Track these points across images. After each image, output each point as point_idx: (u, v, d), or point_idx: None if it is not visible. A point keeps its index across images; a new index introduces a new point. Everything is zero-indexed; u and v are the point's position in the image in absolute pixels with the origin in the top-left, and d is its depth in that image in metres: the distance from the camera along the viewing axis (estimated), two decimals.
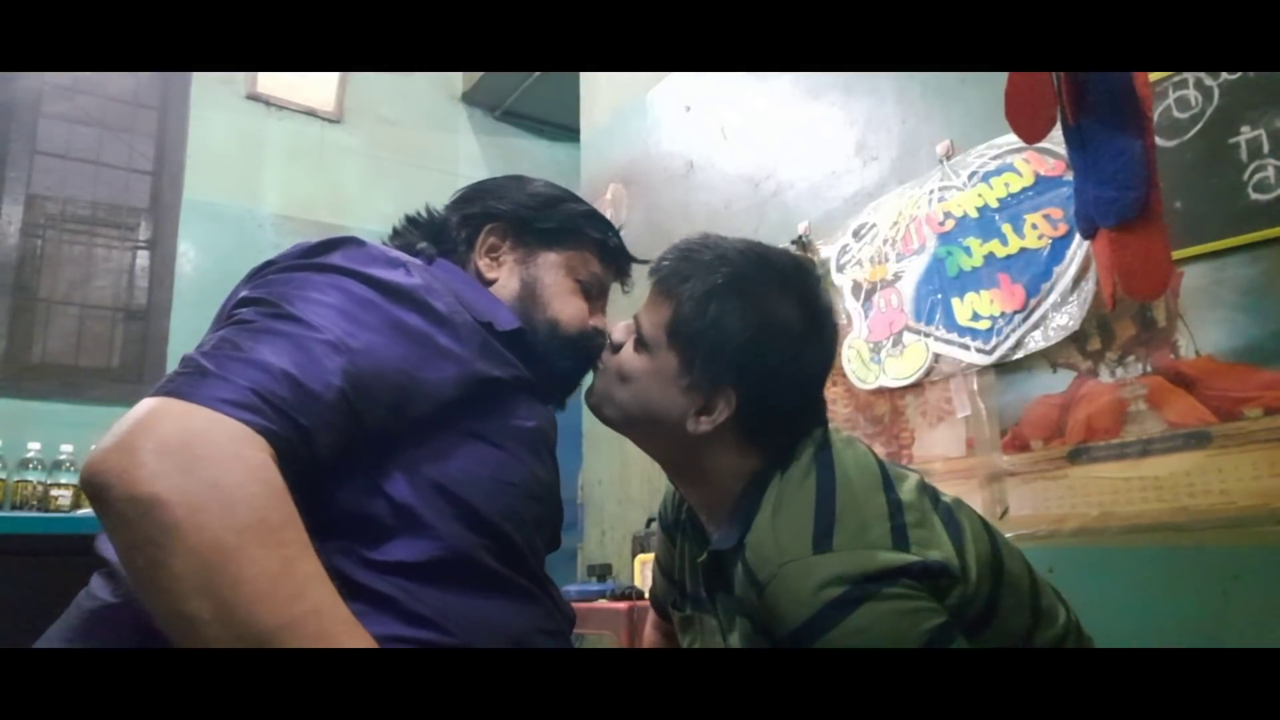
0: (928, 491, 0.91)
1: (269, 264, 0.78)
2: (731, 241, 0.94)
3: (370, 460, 0.72)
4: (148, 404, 0.61)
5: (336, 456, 0.69)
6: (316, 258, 0.77)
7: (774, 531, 0.83)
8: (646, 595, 2.07)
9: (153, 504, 0.56)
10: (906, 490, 0.88)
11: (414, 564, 0.71)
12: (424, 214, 1.02)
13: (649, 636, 1.26)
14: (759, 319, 0.88)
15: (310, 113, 3.59)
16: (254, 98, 3.48)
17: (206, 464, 0.58)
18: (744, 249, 0.93)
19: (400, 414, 0.73)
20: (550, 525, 0.87)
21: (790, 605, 0.78)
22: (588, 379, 1.01)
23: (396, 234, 1.01)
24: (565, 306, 0.96)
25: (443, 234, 0.99)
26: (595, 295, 1.01)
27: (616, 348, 0.96)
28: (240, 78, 3.46)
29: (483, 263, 0.98)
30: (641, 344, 0.92)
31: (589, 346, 0.97)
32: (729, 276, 0.89)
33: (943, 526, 0.86)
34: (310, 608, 0.58)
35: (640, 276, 1.06)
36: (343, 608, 0.60)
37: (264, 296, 0.72)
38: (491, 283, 0.96)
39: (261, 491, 0.59)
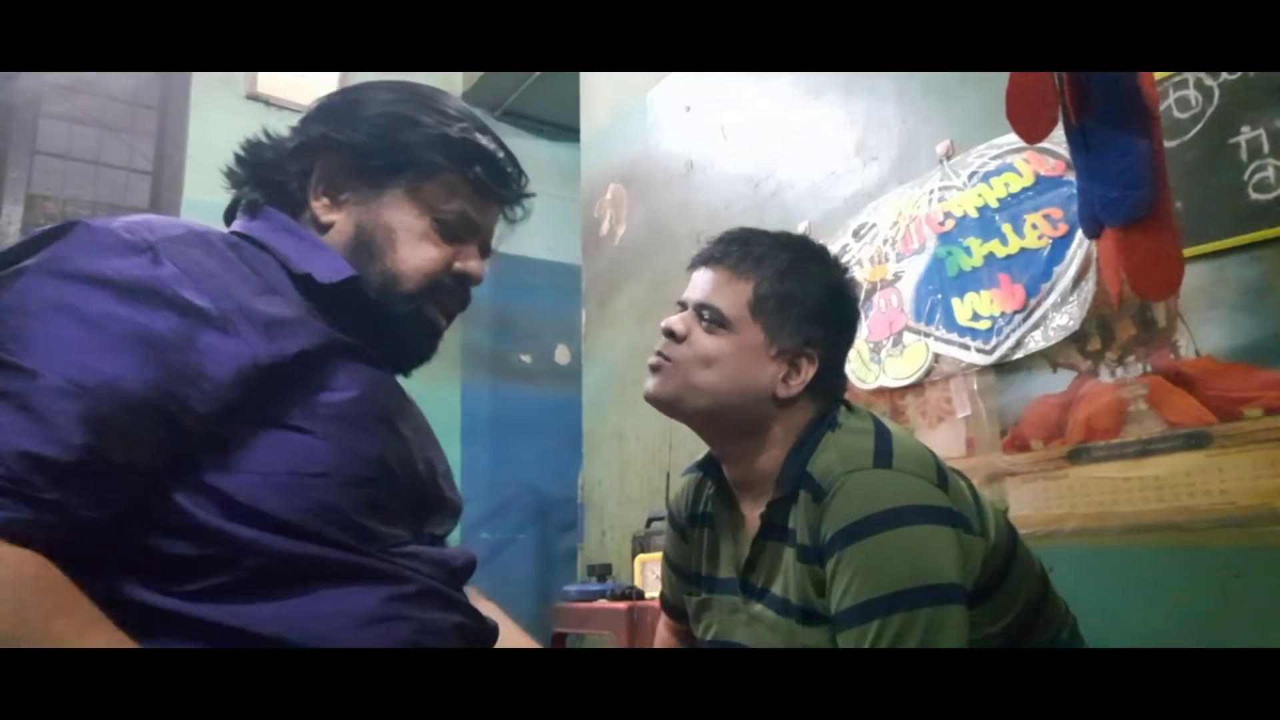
0: (955, 471, 1.00)
1: None
2: (770, 232, 1.05)
3: (155, 482, 0.62)
4: None
5: (117, 500, 0.60)
6: (31, 259, 0.63)
7: (838, 452, 0.92)
8: (647, 595, 2.07)
9: None
10: (940, 461, 0.98)
11: (221, 585, 0.62)
12: (262, 139, 0.85)
13: (662, 638, 1.26)
14: (828, 286, 1.02)
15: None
16: (254, 98, 3.48)
17: None
18: (784, 235, 1.06)
19: (175, 439, 0.62)
20: (395, 502, 0.73)
21: (849, 505, 0.87)
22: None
23: (231, 174, 0.86)
24: (409, 254, 0.80)
25: (275, 169, 0.83)
26: (464, 233, 0.84)
27: (682, 338, 0.99)
28: (240, 78, 3.46)
29: (318, 205, 0.81)
30: (719, 324, 0.98)
31: (439, 298, 0.83)
32: (795, 255, 1.01)
33: (968, 490, 0.96)
34: None
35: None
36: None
37: None
38: (327, 228, 0.81)
39: (10, 595, 0.52)
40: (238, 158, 0.85)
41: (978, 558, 0.89)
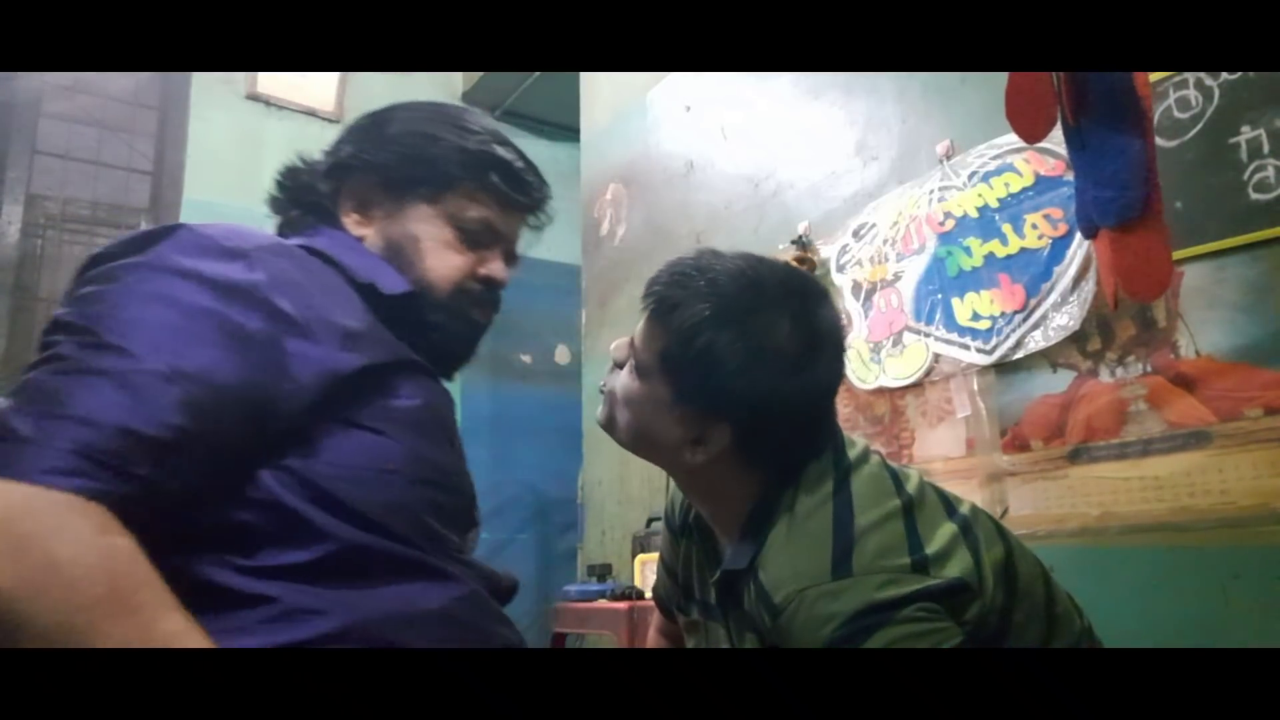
0: (945, 504, 0.90)
1: (92, 262, 0.69)
2: (726, 261, 0.89)
3: (237, 466, 0.66)
4: None
5: (200, 483, 0.63)
6: (137, 256, 0.68)
7: (789, 555, 0.82)
8: (647, 595, 2.07)
9: None
10: (925, 510, 0.86)
11: (292, 566, 0.65)
12: (298, 164, 0.90)
13: (653, 639, 1.25)
14: (749, 349, 0.84)
15: (310, 113, 3.59)
16: (254, 98, 3.48)
17: (37, 543, 0.54)
18: (737, 272, 0.88)
19: (259, 429, 0.65)
20: (451, 508, 0.78)
21: (806, 631, 0.77)
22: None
23: (274, 200, 0.90)
24: (436, 263, 0.84)
25: (309, 190, 0.88)
26: (487, 240, 0.88)
27: (619, 365, 0.94)
28: (240, 78, 3.46)
29: (349, 220, 0.86)
30: (639, 369, 0.90)
31: (470, 303, 0.87)
32: (717, 306, 0.85)
33: (962, 540, 0.85)
34: None
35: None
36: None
37: (77, 322, 0.64)
38: (361, 241, 0.86)
39: (100, 563, 0.55)
40: (278, 184, 0.89)
41: (974, 614, 0.81)
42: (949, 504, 0.90)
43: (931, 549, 0.82)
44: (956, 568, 0.81)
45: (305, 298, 0.71)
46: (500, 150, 0.88)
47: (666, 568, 1.12)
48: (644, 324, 0.91)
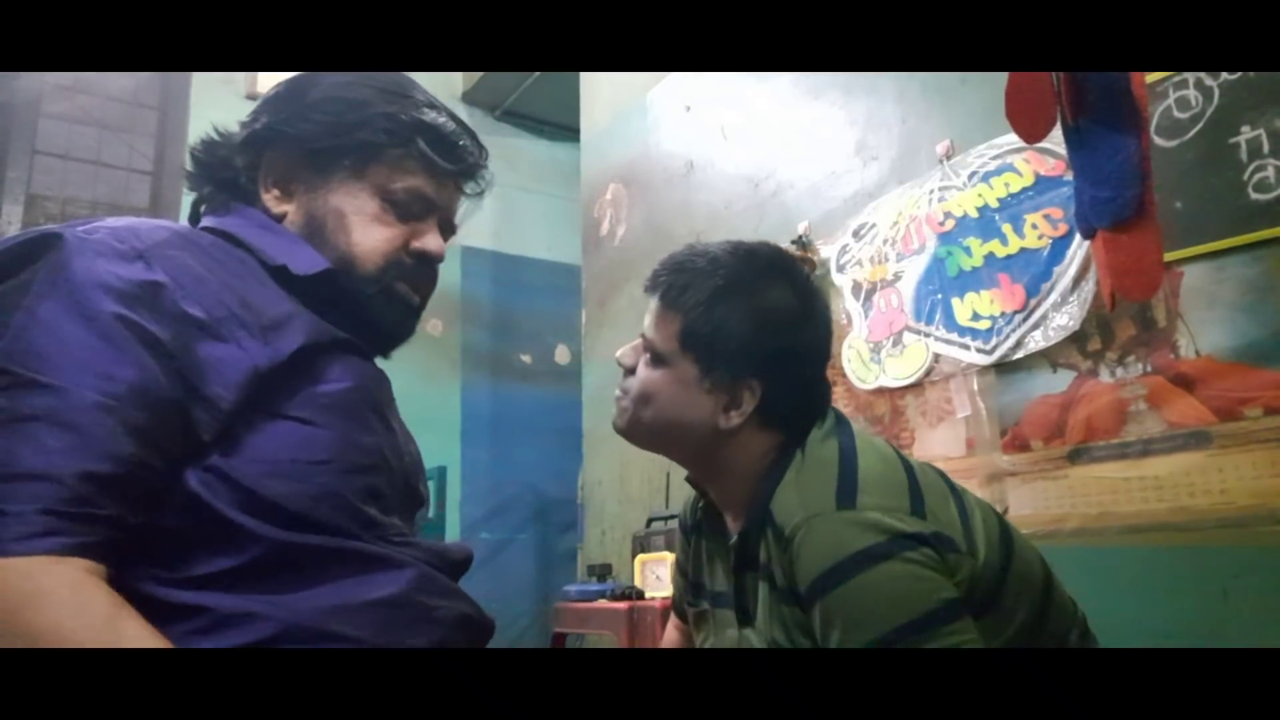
0: (941, 475, 0.96)
1: None
2: (715, 246, 0.98)
3: (173, 476, 0.63)
4: None
5: (154, 502, 0.61)
6: (25, 274, 0.63)
7: (798, 491, 0.88)
8: (647, 595, 2.07)
9: None
10: (925, 473, 0.93)
11: (223, 572, 0.62)
12: (214, 136, 0.83)
13: (670, 638, 1.28)
14: (762, 310, 0.93)
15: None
16: (254, 98, 3.47)
17: (16, 618, 0.53)
18: (730, 249, 0.97)
19: (191, 433, 0.63)
20: (390, 491, 0.73)
21: (814, 555, 0.83)
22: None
23: (189, 176, 0.84)
24: (362, 237, 0.79)
25: (224, 165, 0.81)
26: (420, 212, 0.82)
27: (630, 371, 0.98)
28: (240, 78, 3.46)
29: (269, 197, 0.80)
30: (657, 360, 0.95)
31: (401, 278, 0.81)
32: (725, 277, 0.94)
33: (955, 508, 0.90)
34: None
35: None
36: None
37: None
38: (281, 218, 0.80)
39: (77, 622, 0.54)
40: (193, 158, 0.83)
41: (965, 575, 0.85)
42: (944, 476, 0.97)
43: (929, 501, 0.88)
44: (950, 525, 0.87)
45: (211, 294, 0.67)
46: (428, 114, 0.81)
47: (680, 570, 1.16)
48: (656, 315, 0.96)
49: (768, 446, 0.95)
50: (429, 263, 0.83)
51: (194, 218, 0.84)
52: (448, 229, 0.86)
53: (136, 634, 0.55)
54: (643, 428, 0.97)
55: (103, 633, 0.54)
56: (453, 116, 0.84)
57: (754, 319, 0.93)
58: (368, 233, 0.79)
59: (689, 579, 1.12)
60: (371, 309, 0.79)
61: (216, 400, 0.63)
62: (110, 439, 0.58)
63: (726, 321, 0.92)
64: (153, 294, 0.63)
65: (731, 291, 0.93)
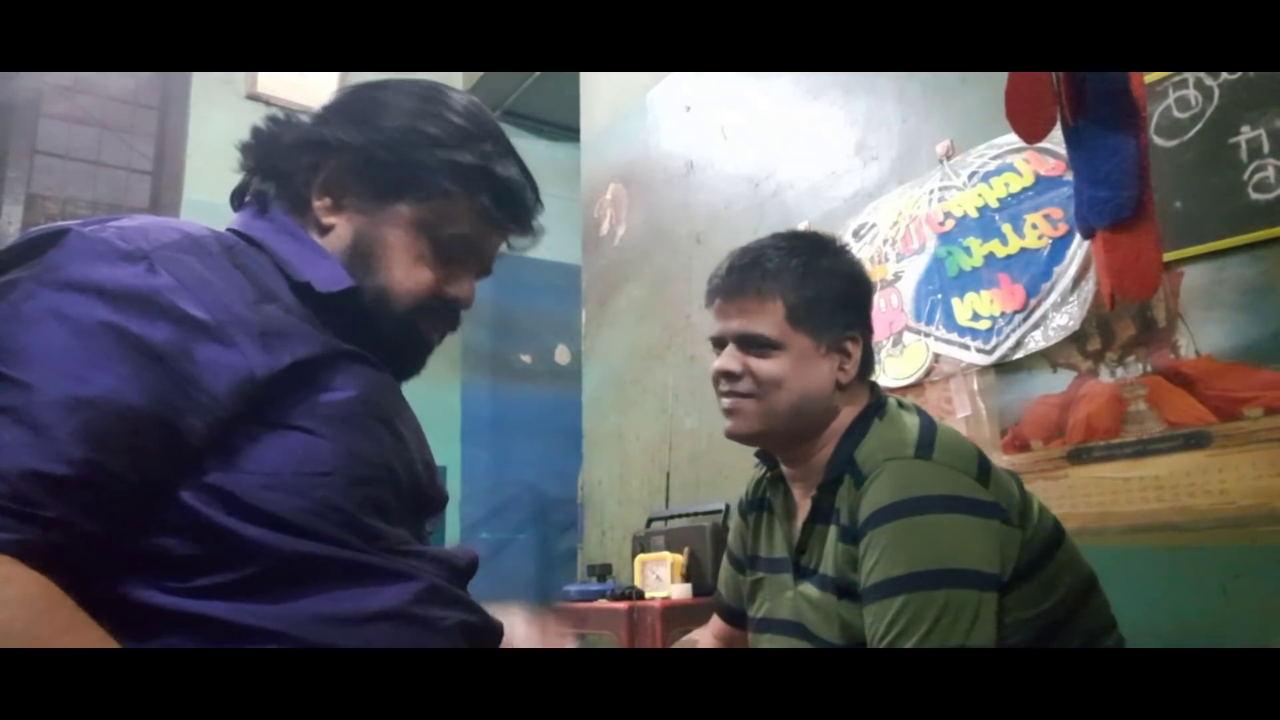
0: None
1: None
2: (766, 240, 1.09)
3: (157, 489, 0.61)
4: None
5: (120, 511, 0.59)
6: (21, 270, 0.62)
7: (880, 438, 0.99)
8: (648, 594, 2.07)
9: None
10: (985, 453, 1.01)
11: (227, 584, 0.61)
12: (271, 126, 0.82)
13: (708, 642, 1.31)
14: (840, 271, 1.07)
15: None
16: (254, 98, 3.48)
17: None
18: (782, 237, 1.10)
19: (175, 447, 0.61)
20: (397, 501, 0.73)
21: (881, 491, 0.92)
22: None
23: (243, 148, 0.84)
24: (403, 276, 0.78)
25: (285, 157, 0.81)
26: (461, 258, 0.82)
27: (741, 375, 1.03)
28: (240, 78, 3.46)
29: (320, 205, 0.79)
30: (769, 348, 1.02)
31: (425, 320, 0.81)
32: (800, 254, 1.05)
33: (1015, 485, 0.99)
34: None
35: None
36: None
37: None
38: (327, 230, 0.79)
39: (22, 615, 0.53)
40: (255, 131, 0.82)
41: (1014, 547, 0.92)
42: (1011, 472, 1.06)
43: (994, 472, 0.96)
44: (1008, 499, 0.95)
45: (217, 297, 0.65)
46: (498, 167, 0.81)
47: (733, 560, 1.23)
48: (748, 310, 1.04)
49: (862, 404, 1.06)
50: (456, 308, 0.83)
51: (235, 202, 0.84)
52: (483, 273, 0.86)
53: (52, 636, 0.54)
54: (775, 417, 1.03)
55: (30, 628, 0.53)
56: (521, 167, 0.84)
57: (839, 280, 1.06)
58: (409, 271, 0.79)
59: (744, 557, 1.19)
60: (388, 341, 0.79)
61: (209, 405, 0.62)
62: (68, 441, 0.56)
63: (822, 288, 1.03)
64: (150, 296, 0.62)
65: (812, 265, 1.04)
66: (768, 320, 1.02)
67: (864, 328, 1.08)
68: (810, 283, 1.03)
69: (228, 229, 0.78)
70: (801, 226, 2.13)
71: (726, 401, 1.05)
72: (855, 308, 1.07)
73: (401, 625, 0.67)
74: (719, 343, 1.07)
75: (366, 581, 0.66)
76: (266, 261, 0.74)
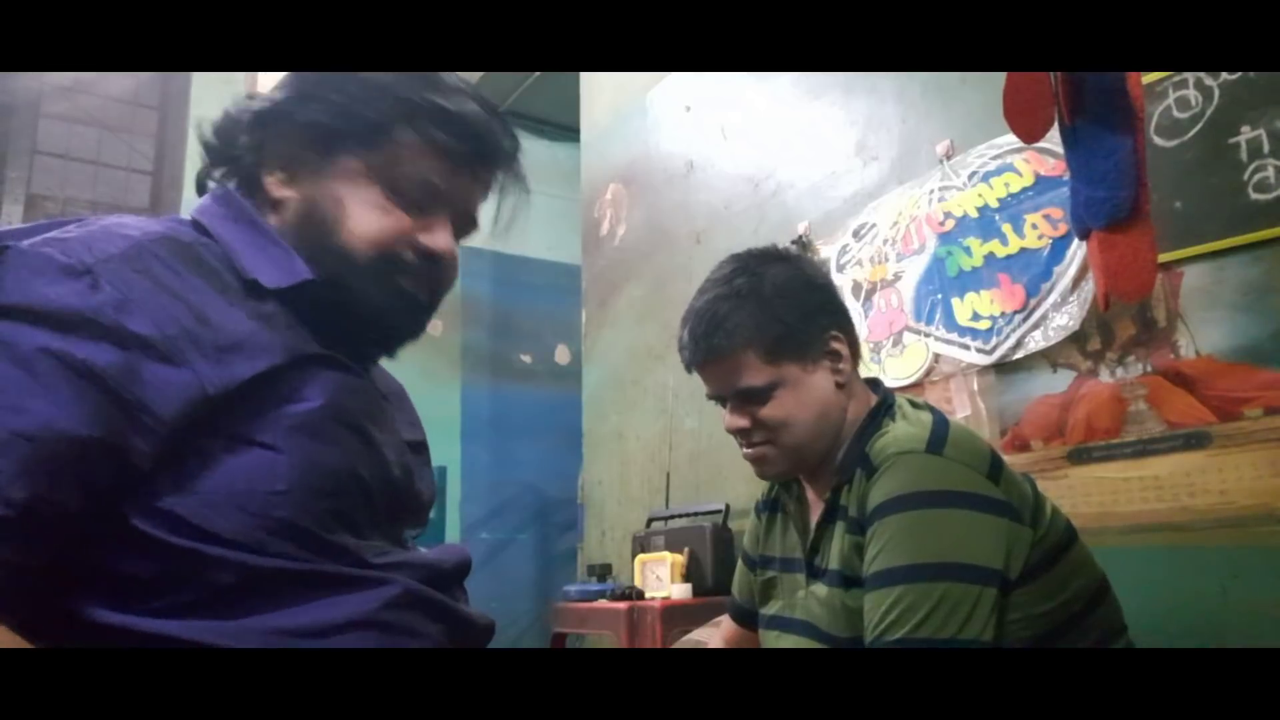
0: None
1: None
2: (707, 284, 1.08)
3: (104, 516, 0.59)
4: None
5: (66, 542, 0.57)
6: None
7: (893, 435, 0.98)
8: (648, 594, 2.07)
9: None
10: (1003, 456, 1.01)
11: (183, 603, 0.59)
12: (228, 114, 0.79)
13: (718, 641, 1.32)
14: (793, 286, 1.04)
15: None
16: (254, 98, 3.48)
17: None
18: (729, 272, 1.07)
19: (123, 471, 0.58)
20: (363, 514, 0.69)
21: (890, 482, 0.92)
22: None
23: (205, 146, 0.79)
24: (357, 224, 0.72)
25: (232, 143, 0.77)
26: (428, 205, 0.75)
27: (750, 431, 1.04)
28: (240, 78, 3.46)
29: (271, 180, 0.75)
30: (764, 395, 1.02)
31: (400, 273, 0.74)
32: (748, 293, 1.03)
33: (1026, 485, 0.99)
34: None
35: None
36: None
37: None
38: (280, 205, 0.75)
39: None
40: (215, 128, 0.79)
41: (1024, 546, 0.91)
42: (1025, 473, 1.06)
43: (1005, 471, 0.96)
44: (1020, 498, 0.94)
45: (164, 311, 0.62)
46: (448, 103, 0.75)
47: (747, 558, 1.23)
48: (732, 369, 1.03)
49: (865, 395, 1.07)
50: (437, 261, 0.76)
51: (199, 189, 0.81)
52: (465, 225, 0.80)
53: None
54: (799, 450, 1.04)
55: None
56: (485, 105, 0.78)
57: (796, 293, 1.04)
58: (363, 219, 0.72)
59: (758, 557, 1.19)
60: (371, 306, 0.74)
61: (154, 426, 0.59)
62: (6, 483, 0.53)
63: (784, 313, 1.02)
64: (92, 317, 0.58)
65: (764, 298, 1.02)
66: (749, 372, 1.02)
67: (840, 320, 1.07)
68: (770, 317, 1.02)
69: (191, 216, 0.74)
70: (801, 227, 2.13)
71: (748, 452, 1.07)
72: (823, 308, 1.06)
73: (371, 633, 0.65)
74: (716, 398, 1.08)
75: (329, 592, 0.64)
76: (219, 258, 0.70)
